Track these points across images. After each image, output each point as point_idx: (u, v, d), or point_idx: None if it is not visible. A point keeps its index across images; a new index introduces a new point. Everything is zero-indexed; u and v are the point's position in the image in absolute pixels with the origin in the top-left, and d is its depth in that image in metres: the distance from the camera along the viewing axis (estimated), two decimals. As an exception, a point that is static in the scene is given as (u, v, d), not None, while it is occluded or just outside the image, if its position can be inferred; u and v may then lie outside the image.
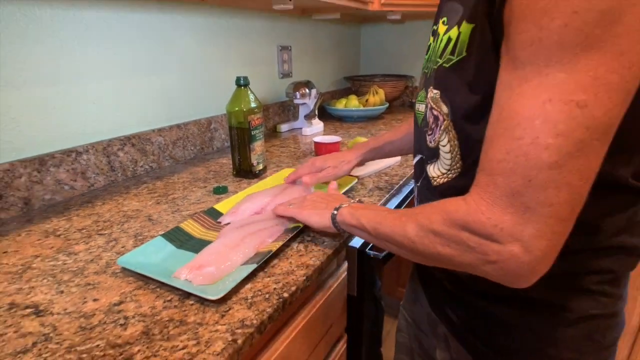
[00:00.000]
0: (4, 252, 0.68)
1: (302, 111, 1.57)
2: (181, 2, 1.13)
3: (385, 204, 0.92)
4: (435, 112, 0.52)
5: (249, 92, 0.98)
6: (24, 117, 0.84)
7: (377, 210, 0.58)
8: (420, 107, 0.58)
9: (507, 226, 0.38)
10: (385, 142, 0.88)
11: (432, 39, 0.57)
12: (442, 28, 0.51)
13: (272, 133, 1.57)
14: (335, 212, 0.64)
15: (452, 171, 0.52)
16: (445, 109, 0.50)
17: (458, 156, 0.50)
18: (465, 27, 0.45)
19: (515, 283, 0.41)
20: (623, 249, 0.49)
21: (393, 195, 0.95)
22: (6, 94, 0.81)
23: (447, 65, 0.48)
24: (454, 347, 0.60)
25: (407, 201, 0.98)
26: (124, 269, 0.62)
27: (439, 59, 0.50)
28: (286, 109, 1.66)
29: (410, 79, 2.04)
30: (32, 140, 0.86)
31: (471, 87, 0.46)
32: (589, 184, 0.37)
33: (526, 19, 0.35)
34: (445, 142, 0.51)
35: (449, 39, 0.48)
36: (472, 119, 0.47)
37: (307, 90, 1.51)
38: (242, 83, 0.97)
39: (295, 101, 1.51)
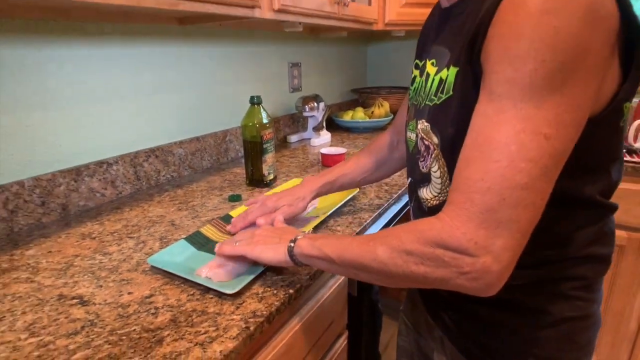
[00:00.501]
0: (49, 252, 0.79)
1: (311, 123, 1.67)
2: (201, 27, 1.24)
3: (384, 212, 1.00)
4: (426, 142, 0.59)
5: (262, 109, 1.08)
6: (64, 133, 0.96)
7: (339, 238, 0.59)
8: (412, 136, 0.65)
9: (481, 240, 0.43)
10: (338, 175, 0.88)
11: (417, 72, 0.65)
12: (431, 69, 0.59)
13: (283, 143, 1.67)
14: (292, 244, 0.62)
15: (443, 194, 0.58)
16: (435, 139, 0.57)
17: (448, 181, 0.56)
18: (452, 70, 0.52)
19: (484, 292, 0.45)
20: (594, 258, 0.56)
21: (392, 205, 1.04)
22: (51, 114, 0.92)
23: (438, 102, 0.56)
24: (449, 349, 0.66)
25: (405, 210, 1.06)
26: (152, 267, 0.71)
27: (433, 97, 0.57)
28: (296, 121, 1.76)
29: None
30: (70, 153, 0.97)
31: (456, 121, 0.52)
32: (544, 204, 0.44)
33: (503, 62, 0.42)
34: (436, 169, 0.58)
35: (441, 80, 0.55)
36: (458, 148, 0.51)
37: (315, 104, 1.61)
38: (255, 101, 1.07)
39: (305, 114, 1.61)
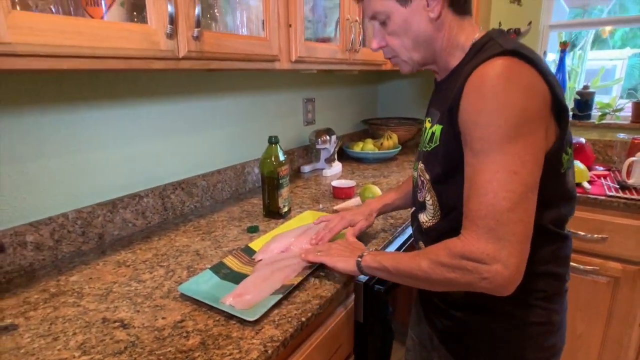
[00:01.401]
0: (90, 278, 0.89)
1: (323, 155, 1.78)
2: (227, 72, 1.37)
3: (391, 242, 1.09)
4: (422, 179, 0.79)
5: (279, 148, 1.19)
6: (103, 170, 1.08)
7: (394, 254, 0.76)
8: (415, 174, 0.85)
9: (491, 252, 0.58)
10: (395, 198, 1.06)
11: (423, 127, 0.83)
12: (428, 125, 0.79)
13: (296, 174, 1.77)
14: (360, 259, 0.80)
15: (435, 218, 0.76)
16: (427, 176, 0.76)
17: (438, 207, 0.75)
18: (439, 127, 0.72)
19: (501, 292, 0.60)
20: (551, 275, 0.72)
21: (396, 237, 1.13)
22: (91, 155, 1.05)
23: (429, 149, 0.74)
24: (443, 353, 0.81)
25: (409, 242, 1.14)
26: (182, 295, 0.81)
27: (427, 145, 0.76)
28: (309, 152, 1.87)
29: (423, 122, 2.22)
30: (107, 188, 1.09)
31: (442, 163, 0.71)
32: (532, 219, 0.59)
33: (474, 127, 0.61)
34: (429, 198, 0.77)
35: (432, 133, 0.74)
36: (442, 182, 0.72)
37: (327, 137, 1.72)
38: (273, 141, 1.18)
39: (317, 147, 1.72)
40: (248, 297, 0.77)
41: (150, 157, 1.20)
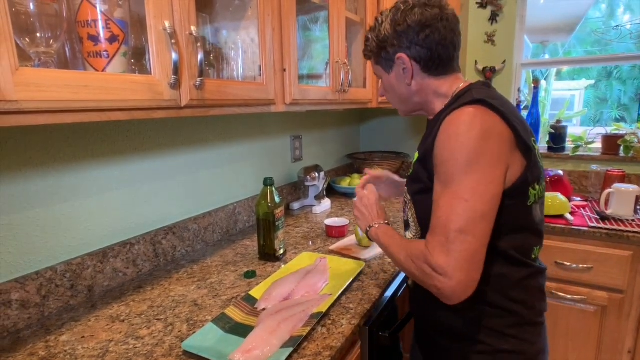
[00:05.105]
0: (82, 337, 0.84)
1: (312, 192, 1.77)
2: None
3: (390, 284, 1.08)
4: (405, 199, 0.89)
5: (274, 190, 1.18)
6: (93, 218, 1.03)
7: (391, 237, 0.86)
8: (403, 197, 0.95)
9: (442, 264, 0.67)
10: None
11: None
12: (416, 155, 0.86)
13: (286, 211, 1.76)
14: (369, 228, 0.93)
15: (417, 234, 0.86)
16: (408, 197, 0.86)
17: (417, 224, 0.85)
18: (416, 155, 0.84)
19: (447, 301, 0.68)
20: (523, 303, 0.78)
21: (396, 276, 1.12)
22: (81, 202, 1.01)
23: (409, 174, 0.86)
24: None
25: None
26: (185, 352, 0.77)
27: (409, 171, 0.87)
28: (298, 189, 1.86)
29: (405, 156, 2.27)
30: (97, 236, 1.05)
31: (415, 184, 0.82)
32: (482, 243, 0.68)
33: (440, 161, 0.71)
34: (410, 216, 0.87)
35: (413, 161, 0.86)
36: (418, 201, 0.82)
37: (316, 174, 1.72)
38: (268, 183, 1.17)
39: (306, 184, 1.72)
40: (257, 353, 0.74)
41: (141, 203, 1.16)
